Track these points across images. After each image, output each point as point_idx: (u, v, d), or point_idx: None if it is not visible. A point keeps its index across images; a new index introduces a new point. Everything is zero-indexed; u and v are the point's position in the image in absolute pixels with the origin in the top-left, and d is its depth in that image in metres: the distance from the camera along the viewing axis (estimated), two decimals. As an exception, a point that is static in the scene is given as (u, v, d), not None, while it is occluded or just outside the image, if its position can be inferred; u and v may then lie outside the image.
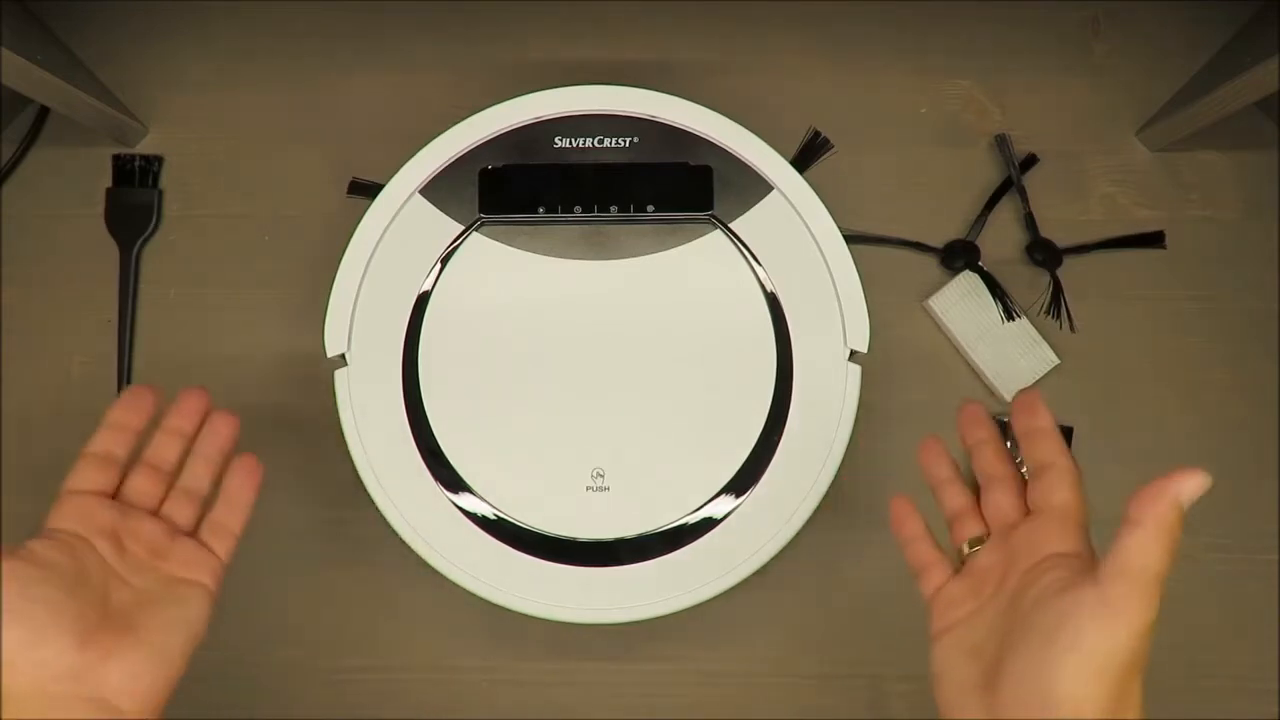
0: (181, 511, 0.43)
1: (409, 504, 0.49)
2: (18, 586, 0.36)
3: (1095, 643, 0.32)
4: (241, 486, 0.44)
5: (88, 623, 0.37)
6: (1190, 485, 0.34)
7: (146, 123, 0.61)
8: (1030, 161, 0.60)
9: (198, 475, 0.44)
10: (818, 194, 0.52)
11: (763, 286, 0.51)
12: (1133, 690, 0.33)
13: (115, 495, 0.42)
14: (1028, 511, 0.39)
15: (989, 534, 0.40)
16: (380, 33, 0.61)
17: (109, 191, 0.60)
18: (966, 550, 0.40)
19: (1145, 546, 0.33)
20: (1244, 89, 0.53)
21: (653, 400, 0.51)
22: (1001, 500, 0.40)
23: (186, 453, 0.44)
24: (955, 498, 0.42)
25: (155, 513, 0.43)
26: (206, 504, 0.44)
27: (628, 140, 0.52)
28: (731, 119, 0.52)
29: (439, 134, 0.52)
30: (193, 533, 0.43)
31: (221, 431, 0.45)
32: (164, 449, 0.44)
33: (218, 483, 0.45)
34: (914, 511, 0.43)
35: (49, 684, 0.35)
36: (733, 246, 0.52)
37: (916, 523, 0.43)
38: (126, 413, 0.43)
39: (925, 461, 0.44)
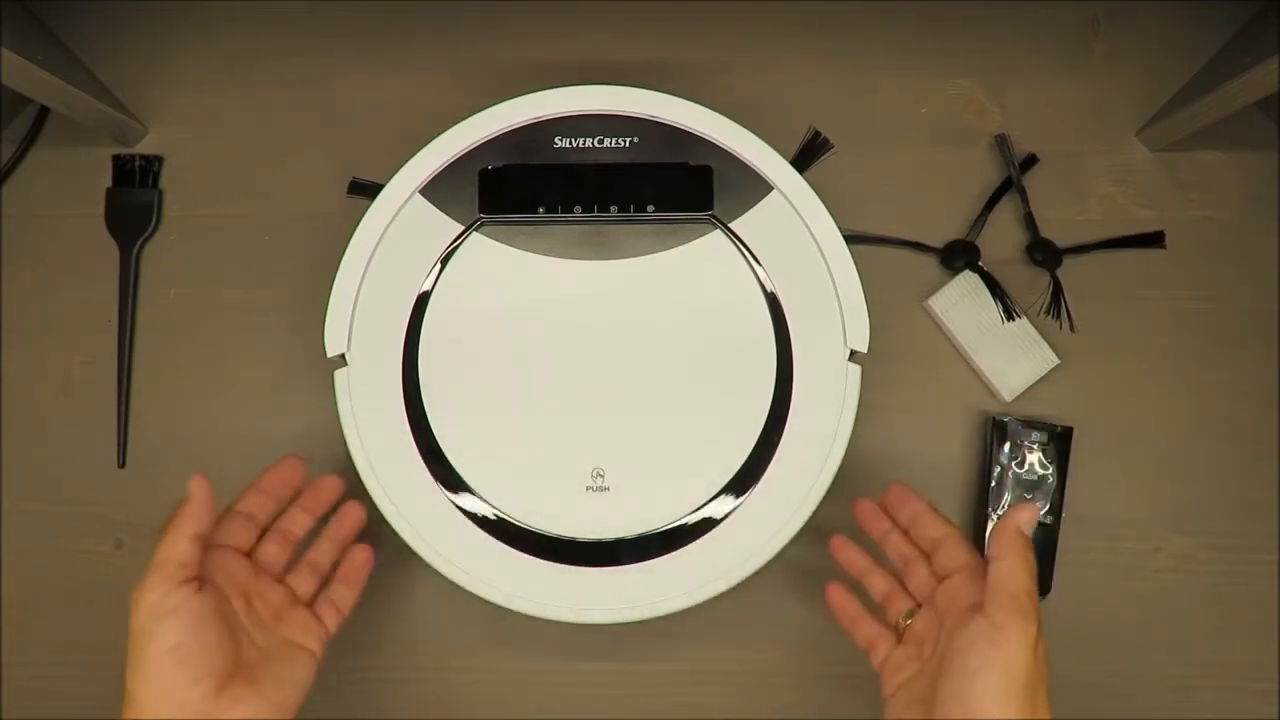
0: (304, 583, 0.48)
1: (409, 504, 0.49)
2: (194, 631, 0.41)
3: (995, 659, 0.39)
4: (358, 570, 0.50)
5: (227, 671, 0.41)
6: (1025, 516, 0.42)
7: (146, 123, 0.61)
8: (1030, 161, 0.60)
9: (323, 553, 0.49)
10: (818, 194, 0.52)
11: (763, 286, 0.51)
12: (1040, 704, 0.39)
13: (249, 554, 0.47)
14: (940, 578, 0.46)
15: (919, 605, 0.47)
16: (380, 33, 0.61)
17: (109, 191, 0.60)
18: (903, 623, 0.46)
19: (1009, 572, 0.41)
20: (1244, 89, 0.53)
21: (653, 400, 0.51)
22: (920, 575, 0.47)
23: (311, 529, 0.49)
24: (880, 582, 0.49)
25: (280, 580, 0.48)
26: (324, 580, 0.49)
27: (628, 140, 0.52)
28: (731, 119, 0.52)
29: (439, 134, 0.52)
30: (308, 603, 0.48)
31: (351, 518, 0.50)
32: (296, 522, 0.49)
33: (335, 563, 0.50)
34: (850, 596, 0.49)
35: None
36: (733, 246, 0.52)
37: (854, 605, 0.49)
38: (277, 481, 0.49)
39: (842, 558, 0.50)
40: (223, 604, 0.43)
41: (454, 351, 0.51)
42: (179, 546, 0.42)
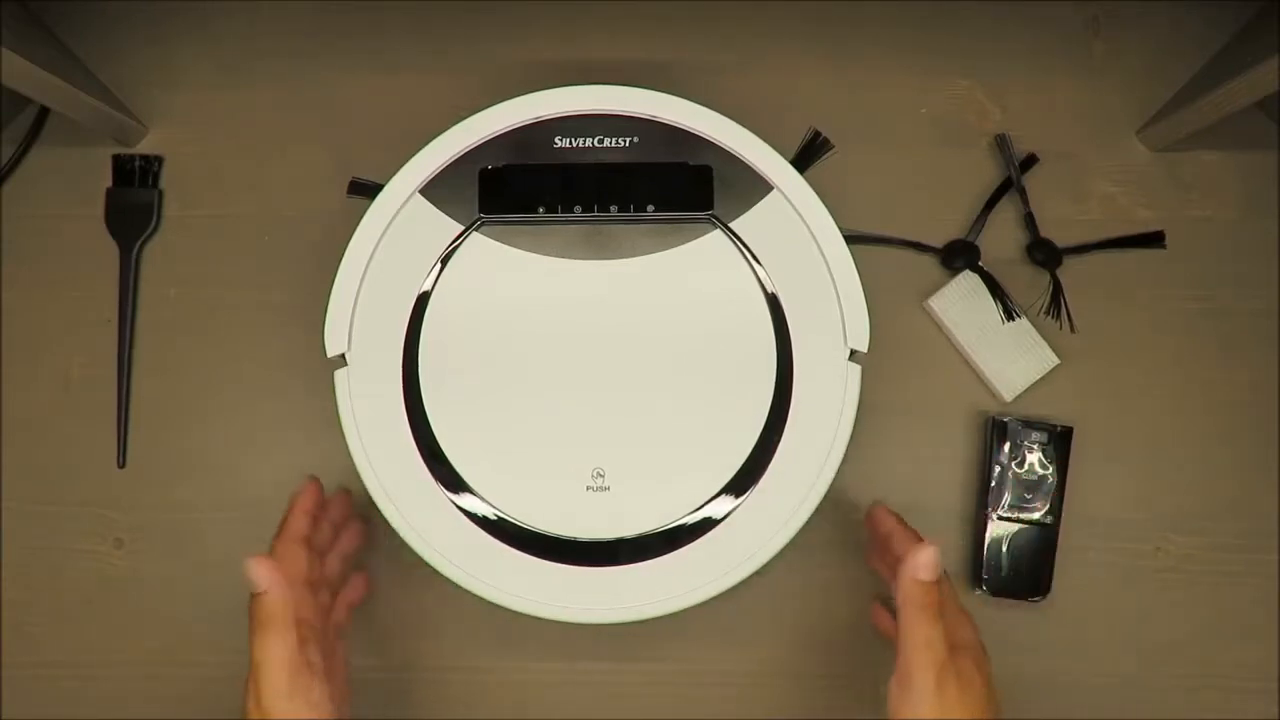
0: (325, 597, 0.51)
1: (409, 504, 0.49)
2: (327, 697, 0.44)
3: (903, 703, 0.42)
4: (351, 600, 0.54)
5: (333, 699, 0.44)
6: (921, 560, 0.43)
7: (146, 123, 0.61)
8: (1030, 161, 0.60)
9: (332, 568, 0.52)
10: (818, 194, 0.52)
11: (763, 286, 0.51)
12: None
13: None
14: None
15: None
16: (380, 33, 0.61)
17: (109, 191, 0.60)
18: None
19: (908, 625, 0.43)
20: (1244, 89, 0.53)
21: (653, 400, 0.51)
22: None
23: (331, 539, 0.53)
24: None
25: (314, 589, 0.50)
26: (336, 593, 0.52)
27: (628, 140, 0.52)
28: (731, 119, 0.52)
29: (439, 134, 0.52)
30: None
31: (349, 536, 0.54)
32: (323, 535, 0.52)
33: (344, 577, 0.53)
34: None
35: None
36: (733, 246, 0.52)
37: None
38: (310, 501, 0.51)
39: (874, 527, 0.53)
40: (320, 651, 0.45)
41: (454, 351, 0.51)
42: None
